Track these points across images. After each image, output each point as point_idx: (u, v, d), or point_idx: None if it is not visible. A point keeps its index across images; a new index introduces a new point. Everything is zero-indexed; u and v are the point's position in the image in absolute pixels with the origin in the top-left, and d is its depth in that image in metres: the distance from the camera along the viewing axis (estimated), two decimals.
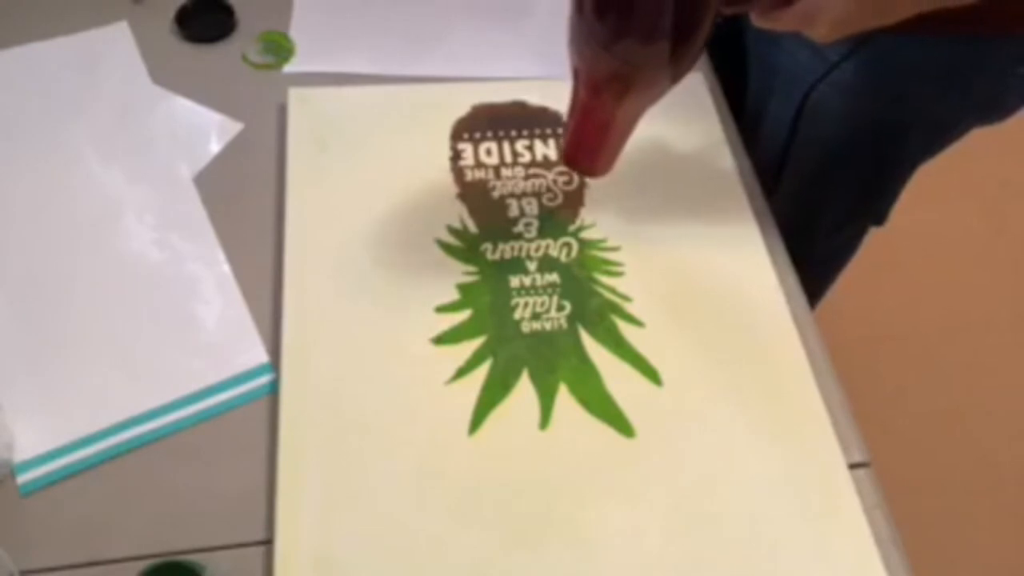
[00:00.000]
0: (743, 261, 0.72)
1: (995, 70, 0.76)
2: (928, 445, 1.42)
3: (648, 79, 0.59)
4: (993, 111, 0.83)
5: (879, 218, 0.94)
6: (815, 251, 0.93)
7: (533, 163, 0.77)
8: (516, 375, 0.65)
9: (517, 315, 0.68)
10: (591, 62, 0.59)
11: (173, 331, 0.67)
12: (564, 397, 0.64)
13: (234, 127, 0.79)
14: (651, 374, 0.65)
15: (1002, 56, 0.75)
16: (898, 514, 0.62)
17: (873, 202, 0.92)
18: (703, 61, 0.87)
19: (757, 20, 0.60)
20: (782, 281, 0.71)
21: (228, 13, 0.86)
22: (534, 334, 0.67)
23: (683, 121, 0.80)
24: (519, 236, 0.72)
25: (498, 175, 0.76)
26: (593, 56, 0.58)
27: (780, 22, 0.59)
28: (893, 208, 0.93)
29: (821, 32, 0.58)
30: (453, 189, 0.75)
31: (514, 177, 0.76)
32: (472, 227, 0.72)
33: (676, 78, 0.58)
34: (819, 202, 0.89)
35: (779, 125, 0.85)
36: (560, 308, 0.68)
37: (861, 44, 0.74)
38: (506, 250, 0.71)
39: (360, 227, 0.71)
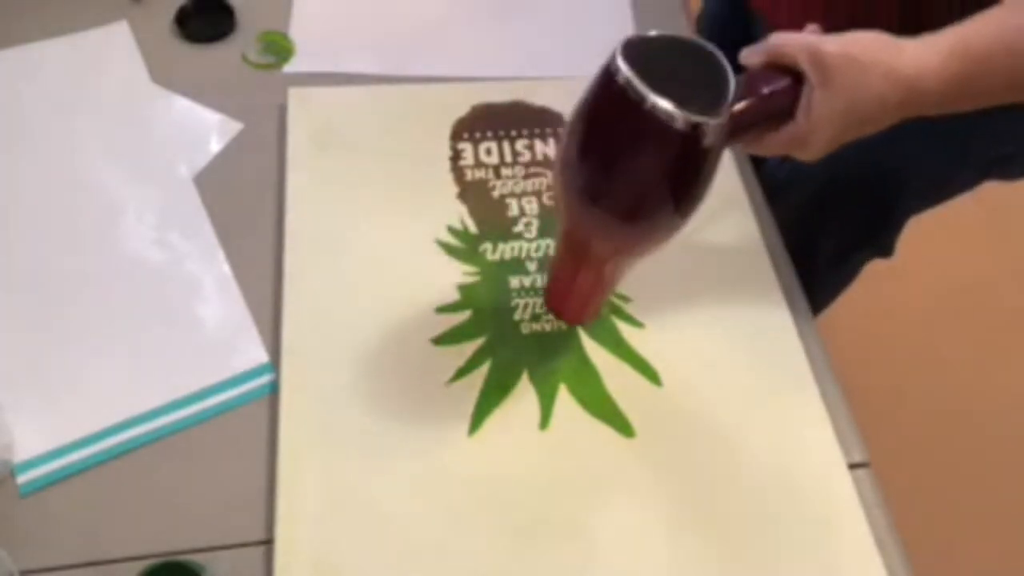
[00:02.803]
0: (743, 261, 0.72)
1: (995, 137, 0.76)
2: (928, 445, 1.42)
3: (657, 244, 0.59)
4: (999, 174, 0.82)
5: (885, 252, 0.94)
6: (817, 279, 0.93)
7: (533, 162, 0.77)
8: (516, 376, 0.65)
9: (517, 316, 0.68)
10: (596, 245, 0.58)
11: (173, 331, 0.67)
12: (564, 397, 0.64)
13: (234, 127, 0.79)
14: (651, 374, 0.65)
15: (1003, 125, 0.74)
16: (898, 514, 0.62)
17: (873, 240, 0.92)
18: None
19: (747, 148, 0.60)
20: (782, 281, 0.71)
21: (228, 13, 0.86)
22: (534, 335, 0.67)
23: None
24: (519, 236, 0.72)
25: (498, 175, 0.76)
26: (599, 243, 0.58)
27: (769, 148, 0.59)
28: (897, 242, 0.93)
29: (812, 156, 0.58)
30: (453, 189, 0.75)
31: (514, 176, 0.76)
32: (472, 227, 0.72)
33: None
34: (813, 237, 0.89)
35: (775, 160, 0.85)
36: None
37: None
38: (506, 250, 0.71)
39: (360, 227, 0.71)
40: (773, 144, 0.58)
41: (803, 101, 0.56)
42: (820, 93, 0.55)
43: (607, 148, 0.53)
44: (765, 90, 0.56)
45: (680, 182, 0.53)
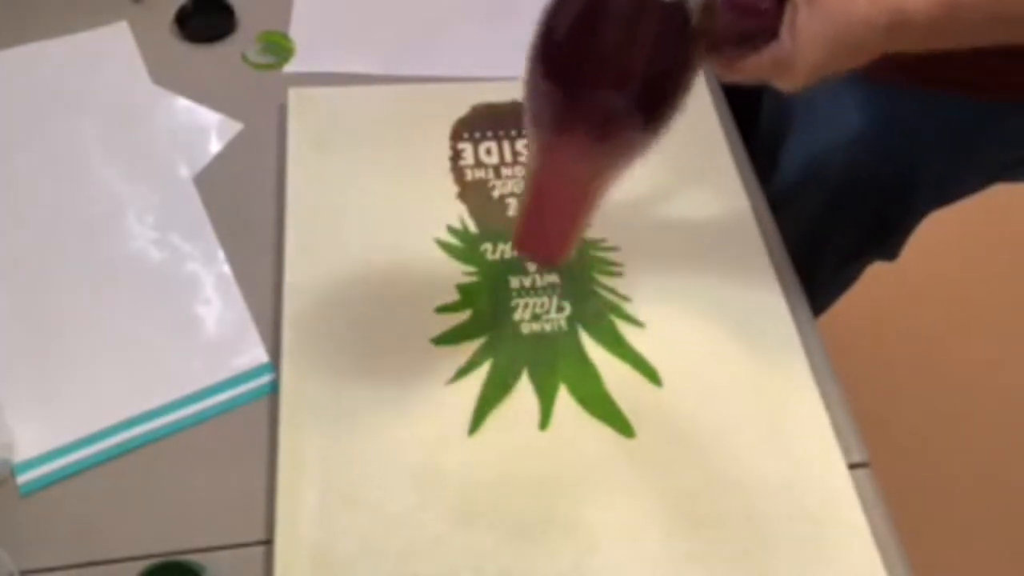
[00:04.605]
0: (742, 260, 0.72)
1: (1009, 141, 0.76)
2: (928, 445, 1.42)
3: (627, 154, 0.54)
4: (1009, 176, 0.82)
5: (890, 256, 0.94)
6: (821, 282, 0.93)
7: None
8: (516, 376, 0.65)
9: (517, 316, 0.68)
10: (556, 133, 0.53)
11: (173, 331, 0.67)
12: (564, 397, 0.64)
13: (234, 127, 0.79)
14: (651, 374, 0.65)
15: (1013, 125, 0.74)
16: (898, 514, 0.62)
17: (880, 244, 0.92)
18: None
19: (721, 74, 0.58)
20: (781, 280, 0.71)
21: (228, 13, 0.86)
22: (534, 335, 0.67)
23: (683, 120, 0.80)
24: None
25: (498, 175, 0.76)
26: (557, 125, 0.52)
27: (750, 71, 0.56)
28: (904, 247, 0.93)
29: (796, 82, 0.55)
30: (453, 189, 0.75)
31: (514, 176, 0.76)
32: (472, 227, 0.72)
33: (652, 142, 0.54)
34: (823, 240, 0.89)
35: (789, 162, 0.85)
36: (560, 309, 0.68)
37: (876, 95, 0.74)
38: (506, 250, 0.71)
39: (360, 227, 0.71)
40: (755, 67, 0.55)
41: (787, 19, 0.53)
42: (806, 12, 0.52)
43: (584, 26, 0.49)
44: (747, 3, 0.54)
45: (657, 73, 0.50)
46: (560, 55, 0.50)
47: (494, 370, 0.65)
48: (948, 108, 0.72)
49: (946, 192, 0.84)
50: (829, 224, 0.88)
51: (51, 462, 0.60)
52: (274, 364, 0.65)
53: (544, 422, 0.63)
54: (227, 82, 0.82)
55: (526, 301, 0.69)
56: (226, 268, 0.70)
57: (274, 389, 0.64)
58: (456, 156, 0.77)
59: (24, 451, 0.60)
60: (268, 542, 0.57)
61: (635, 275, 0.70)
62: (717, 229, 0.74)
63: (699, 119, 0.81)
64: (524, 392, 0.64)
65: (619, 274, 0.70)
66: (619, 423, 0.63)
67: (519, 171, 0.76)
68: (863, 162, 0.79)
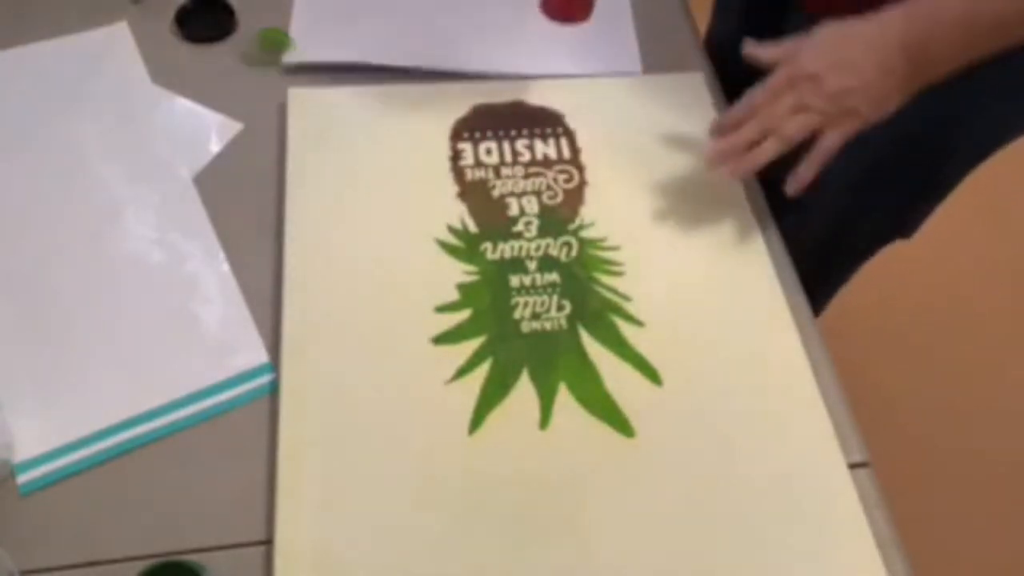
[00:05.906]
0: (743, 260, 0.72)
1: None
2: (928, 445, 1.42)
3: None
4: None
5: (908, 234, 0.93)
6: (841, 272, 0.92)
7: (533, 162, 0.77)
8: (516, 375, 0.65)
9: (517, 315, 0.68)
10: None
11: (173, 331, 0.67)
12: (564, 397, 0.64)
13: (234, 127, 0.79)
14: (651, 374, 0.65)
15: None
16: (898, 514, 0.62)
17: (906, 223, 0.91)
18: (703, 61, 0.87)
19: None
20: (782, 280, 0.71)
21: (228, 13, 0.86)
22: (534, 334, 0.67)
23: (683, 120, 0.80)
24: (519, 235, 0.72)
25: (498, 174, 0.76)
26: None
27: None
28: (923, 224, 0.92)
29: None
30: (453, 189, 0.75)
31: (514, 176, 0.76)
32: (472, 227, 0.72)
33: None
34: (854, 219, 0.88)
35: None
36: (560, 308, 0.68)
37: None
38: (506, 249, 0.71)
39: (360, 227, 0.71)
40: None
41: None
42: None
43: None
44: None
45: None
46: None
47: (494, 369, 0.65)
48: (1000, 70, 0.71)
49: (982, 152, 0.82)
50: (862, 203, 0.86)
51: (51, 462, 0.60)
52: (274, 364, 0.65)
53: (544, 422, 0.63)
54: (227, 82, 0.82)
55: (526, 300, 0.69)
56: (226, 268, 0.70)
57: (274, 389, 0.64)
58: (456, 156, 0.77)
59: (24, 451, 0.61)
60: (268, 542, 0.57)
61: (635, 275, 0.70)
62: (718, 229, 0.74)
63: (701, 121, 0.80)
64: (524, 392, 0.64)
65: (619, 274, 0.70)
66: (619, 423, 0.63)
67: (519, 171, 0.76)
68: (905, 132, 0.77)
